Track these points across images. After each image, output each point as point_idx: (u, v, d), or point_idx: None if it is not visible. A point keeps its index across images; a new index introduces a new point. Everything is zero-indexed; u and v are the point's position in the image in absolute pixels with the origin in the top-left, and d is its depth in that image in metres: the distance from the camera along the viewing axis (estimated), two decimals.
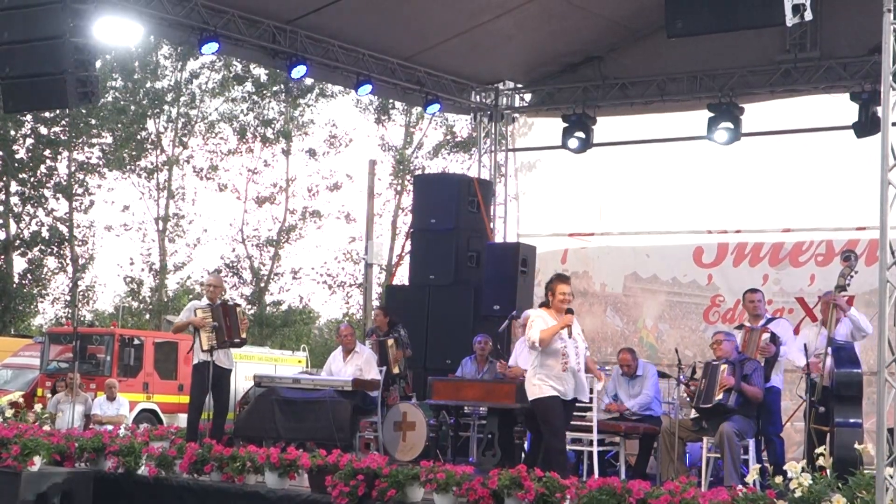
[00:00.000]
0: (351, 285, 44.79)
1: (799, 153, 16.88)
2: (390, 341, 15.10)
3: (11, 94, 13.78)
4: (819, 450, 9.09)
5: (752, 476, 9.90)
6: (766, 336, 12.26)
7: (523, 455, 13.09)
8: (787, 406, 13.75)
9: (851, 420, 10.84)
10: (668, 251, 17.95)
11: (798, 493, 8.56)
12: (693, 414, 12.23)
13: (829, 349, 11.23)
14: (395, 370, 15.09)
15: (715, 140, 16.59)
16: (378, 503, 10.41)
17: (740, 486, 9.81)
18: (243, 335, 14.19)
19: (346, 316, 45.49)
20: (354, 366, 14.47)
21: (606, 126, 18.12)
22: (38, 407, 14.71)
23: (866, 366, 12.76)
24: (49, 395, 22.04)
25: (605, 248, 18.44)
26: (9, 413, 13.96)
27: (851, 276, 11.55)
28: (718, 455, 11.53)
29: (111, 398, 19.95)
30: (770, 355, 12.26)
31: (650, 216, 18.10)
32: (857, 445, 9.29)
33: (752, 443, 11.80)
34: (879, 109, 11.63)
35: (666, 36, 14.37)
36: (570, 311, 10.96)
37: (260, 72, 42.48)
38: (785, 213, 16.99)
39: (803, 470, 8.68)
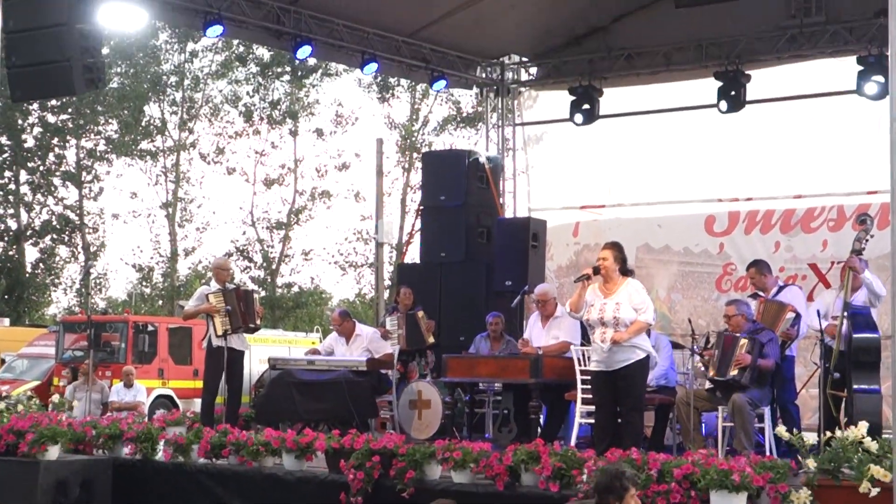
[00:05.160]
0: (362, 265, 44.83)
1: (808, 118, 16.83)
2: (420, 313, 15.13)
3: (19, 83, 13.76)
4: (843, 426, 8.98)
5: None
6: (790, 317, 12.17)
7: (539, 430, 13.10)
8: (800, 373, 13.72)
9: (870, 387, 10.83)
10: (679, 221, 17.92)
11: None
12: (708, 384, 12.20)
13: (846, 314, 11.18)
14: (430, 339, 15.14)
15: (720, 109, 16.61)
16: (396, 482, 10.42)
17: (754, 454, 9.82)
18: (258, 321, 14.19)
19: (359, 296, 45.54)
20: (361, 348, 14.47)
21: (614, 97, 18.08)
22: (55, 397, 14.76)
23: (881, 330, 12.74)
24: (65, 385, 22.10)
25: (617, 220, 18.40)
26: (22, 406, 13.98)
27: (867, 240, 11.49)
28: (734, 424, 11.50)
29: (128, 385, 20.00)
30: (791, 339, 12.26)
31: (661, 186, 18.06)
32: None
33: (767, 411, 11.77)
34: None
35: (674, 6, 14.36)
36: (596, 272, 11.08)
37: (263, 52, 42.42)
38: (796, 180, 16.93)
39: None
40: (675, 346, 13.99)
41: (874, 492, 8.10)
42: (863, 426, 8.47)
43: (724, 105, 16.60)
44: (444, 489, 10.03)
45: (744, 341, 11.63)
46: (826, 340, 11.39)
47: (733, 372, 11.57)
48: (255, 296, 14.44)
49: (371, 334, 14.78)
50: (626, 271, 11.05)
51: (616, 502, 6.69)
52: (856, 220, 12.16)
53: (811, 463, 8.45)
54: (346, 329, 14.75)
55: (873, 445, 8.29)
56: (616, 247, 11.17)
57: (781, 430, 8.92)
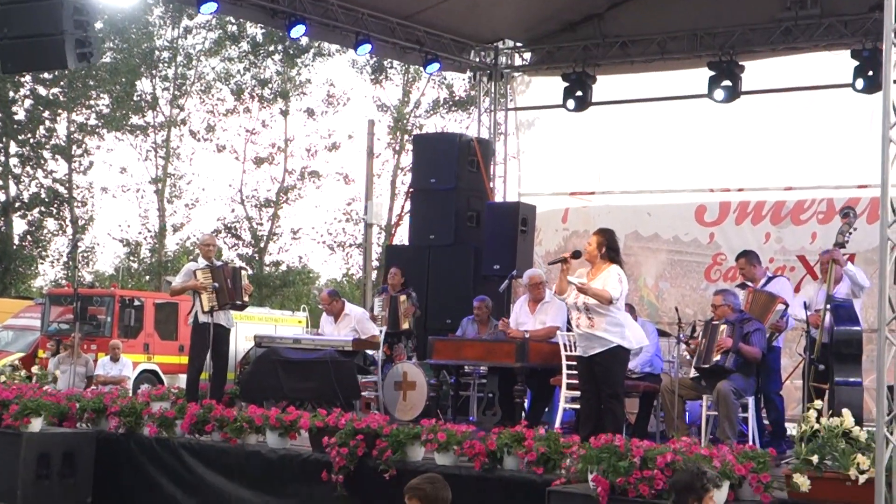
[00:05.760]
0: (350, 245, 44.81)
1: (800, 111, 16.85)
2: (402, 297, 15.18)
3: (10, 55, 13.70)
4: (815, 407, 8.96)
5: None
6: (779, 309, 12.19)
7: (524, 414, 13.13)
8: (786, 364, 13.75)
9: (852, 379, 10.86)
10: (669, 210, 17.93)
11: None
12: (693, 373, 12.23)
13: (828, 306, 11.21)
14: (405, 325, 15.17)
15: (715, 98, 16.63)
16: (378, 462, 10.43)
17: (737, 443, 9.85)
18: (245, 299, 14.17)
19: (346, 276, 45.55)
20: (348, 328, 14.49)
21: (607, 84, 18.07)
22: (35, 368, 14.76)
23: (867, 323, 12.78)
24: (50, 357, 22.07)
25: (606, 207, 18.40)
26: (7, 376, 13.99)
27: (850, 233, 11.52)
28: (718, 413, 11.53)
29: (115, 359, 20.00)
30: (781, 331, 12.27)
31: (652, 175, 18.07)
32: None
33: (751, 401, 11.79)
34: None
35: None
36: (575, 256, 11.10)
37: (256, 31, 42.31)
38: (787, 172, 16.96)
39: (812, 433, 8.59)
40: (662, 333, 14.03)
41: (862, 479, 8.12)
42: (847, 414, 8.49)
43: (720, 94, 16.60)
44: (426, 470, 10.03)
45: (723, 326, 11.67)
46: (812, 332, 11.42)
47: (716, 357, 11.60)
48: (244, 273, 14.42)
49: (360, 315, 14.81)
50: (613, 259, 11.00)
51: (695, 503, 6.51)
52: (840, 213, 12.17)
53: (803, 449, 8.44)
54: (335, 308, 14.79)
55: (862, 435, 8.32)
56: (604, 233, 11.14)
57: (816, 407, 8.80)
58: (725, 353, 11.56)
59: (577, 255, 11.16)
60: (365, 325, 14.57)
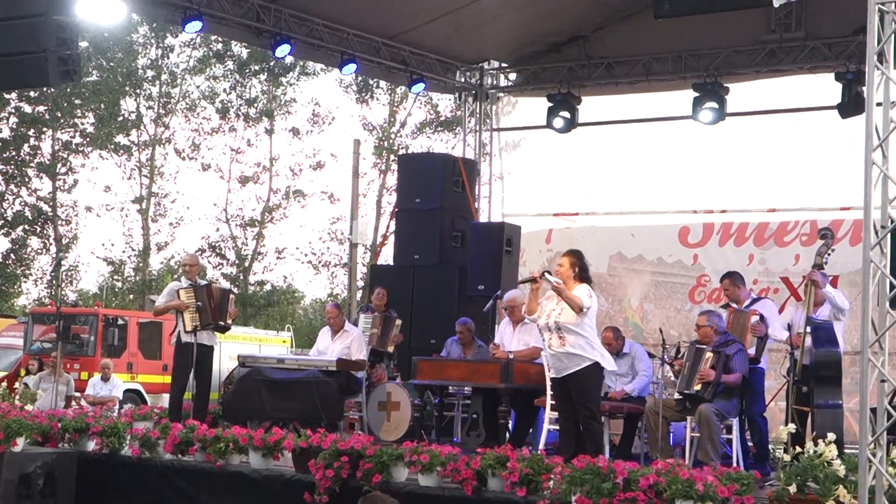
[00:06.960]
0: (335, 265, 44.72)
1: (784, 133, 16.92)
2: (399, 321, 15.15)
3: None
4: (788, 430, 8.97)
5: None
6: (755, 318, 12.22)
7: (508, 435, 13.10)
8: (770, 386, 13.77)
9: (831, 401, 10.87)
10: (653, 231, 17.96)
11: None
12: (677, 395, 12.22)
13: (808, 328, 11.23)
14: (390, 348, 15.14)
15: (700, 120, 16.67)
16: (362, 483, 10.39)
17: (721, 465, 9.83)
18: (229, 321, 14.12)
19: (331, 296, 45.46)
20: (342, 345, 14.45)
21: (591, 106, 18.12)
22: (17, 385, 14.69)
23: (850, 345, 12.79)
24: (32, 375, 21.97)
25: (590, 228, 18.43)
26: None
27: (829, 254, 11.55)
28: (700, 434, 11.52)
29: (105, 378, 19.90)
30: (762, 334, 12.25)
31: (635, 196, 18.10)
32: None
33: (735, 422, 11.79)
34: (863, 89, 11.62)
35: (653, 16, 14.37)
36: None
37: (241, 49, 42.27)
38: (770, 193, 17.02)
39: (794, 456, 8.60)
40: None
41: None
42: (832, 447, 8.48)
43: (707, 116, 16.61)
44: (410, 492, 10.02)
45: (709, 355, 11.65)
46: (795, 354, 11.43)
47: (697, 387, 11.60)
48: (231, 296, 14.36)
49: (357, 335, 14.75)
50: (583, 278, 10.99)
51: None
52: (818, 234, 12.21)
53: (782, 476, 8.45)
54: (337, 322, 14.75)
55: (841, 469, 8.31)
56: (574, 254, 11.16)
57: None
58: (706, 384, 11.56)
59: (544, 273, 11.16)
60: (359, 345, 14.53)
